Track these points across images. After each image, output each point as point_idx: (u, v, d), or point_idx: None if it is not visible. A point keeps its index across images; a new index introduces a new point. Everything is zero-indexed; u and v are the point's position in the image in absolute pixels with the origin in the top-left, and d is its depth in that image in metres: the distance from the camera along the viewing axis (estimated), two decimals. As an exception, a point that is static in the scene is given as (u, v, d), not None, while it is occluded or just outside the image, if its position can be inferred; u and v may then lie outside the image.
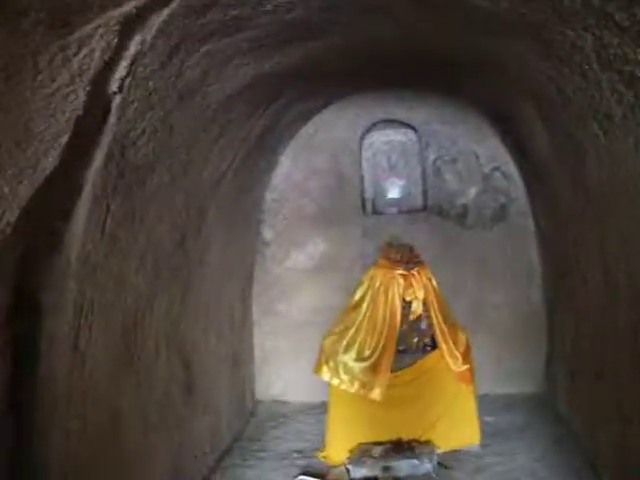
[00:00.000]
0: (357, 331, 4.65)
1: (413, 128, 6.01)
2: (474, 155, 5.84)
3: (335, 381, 4.67)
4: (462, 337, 4.74)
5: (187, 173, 3.66)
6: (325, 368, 4.70)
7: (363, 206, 6.06)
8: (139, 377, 3.40)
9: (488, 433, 4.90)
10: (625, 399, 3.55)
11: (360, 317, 4.66)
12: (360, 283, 4.77)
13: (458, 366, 4.65)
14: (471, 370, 4.72)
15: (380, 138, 6.16)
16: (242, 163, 4.66)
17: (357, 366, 4.61)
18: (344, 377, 4.63)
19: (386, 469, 4.29)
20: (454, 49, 3.74)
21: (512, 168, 5.75)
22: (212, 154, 3.91)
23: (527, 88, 3.63)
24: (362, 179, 6.12)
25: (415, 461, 4.35)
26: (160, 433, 3.63)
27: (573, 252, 4.48)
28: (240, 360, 5.57)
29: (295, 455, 4.85)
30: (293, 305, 6.01)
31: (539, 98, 3.60)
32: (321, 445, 4.81)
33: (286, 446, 5.03)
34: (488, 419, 5.17)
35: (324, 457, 4.72)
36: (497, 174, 5.81)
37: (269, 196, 5.95)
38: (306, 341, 5.25)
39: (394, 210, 6.04)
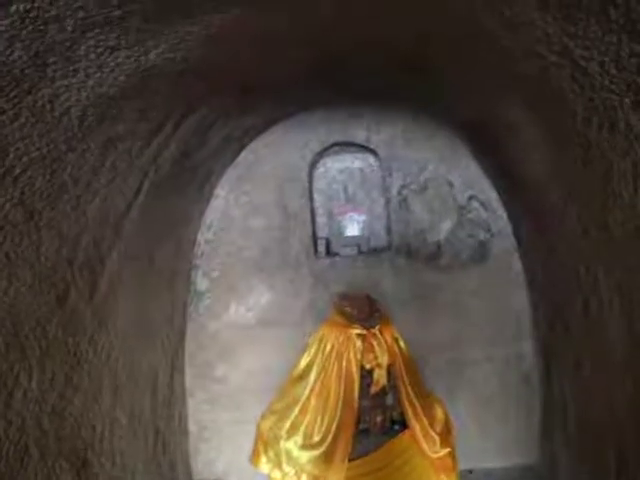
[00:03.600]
0: (303, 410, 3.59)
1: (373, 152, 5.05)
2: (447, 182, 4.88)
3: (277, 474, 3.60)
4: (440, 413, 3.72)
5: (55, 209, 2.64)
6: (264, 458, 3.64)
7: (315, 247, 5.04)
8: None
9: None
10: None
11: (307, 391, 3.61)
12: (307, 347, 3.74)
13: (435, 451, 3.62)
14: (453, 455, 3.69)
15: (334, 165, 5.19)
16: (155, 196, 3.65)
17: (304, 455, 3.55)
18: (288, 470, 3.57)
19: None
20: (424, 42, 2.81)
21: (492, 196, 4.80)
22: (98, 182, 2.90)
23: (516, 79, 2.67)
24: (314, 214, 5.14)
25: None
26: None
27: (577, 298, 3.53)
28: (168, 438, 4.49)
29: None
30: (233, 368, 4.96)
31: (536, 90, 2.63)
32: None
33: None
34: (477, 507, 4.17)
35: None
36: (475, 204, 4.85)
37: (202, 237, 4.92)
38: (249, 411, 4.15)
39: (353, 251, 5.00)
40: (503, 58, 2.49)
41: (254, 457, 3.68)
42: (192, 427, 4.99)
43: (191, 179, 4.23)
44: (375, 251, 5.05)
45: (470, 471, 4.55)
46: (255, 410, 3.87)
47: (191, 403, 4.97)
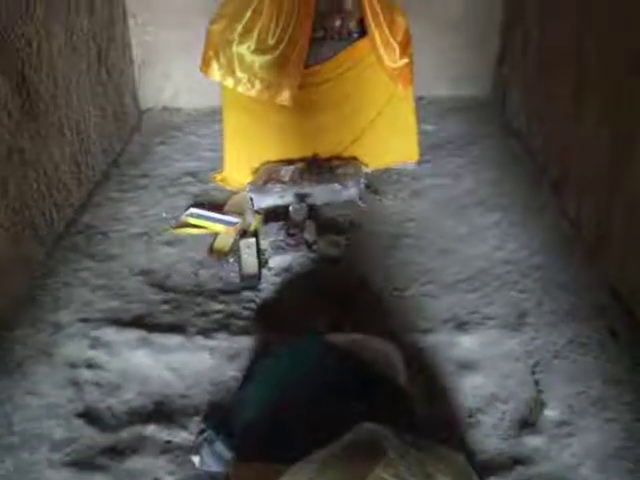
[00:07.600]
0: (256, 11, 3.32)
1: None
2: None
3: (229, 81, 3.46)
4: (401, 22, 3.50)
5: None
6: (215, 65, 3.46)
7: None
8: None
9: (427, 146, 3.96)
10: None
11: (260, -9, 3.31)
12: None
13: (394, 60, 3.48)
14: (410, 67, 3.57)
15: None
16: None
17: (258, 60, 3.39)
18: (241, 75, 3.42)
19: (299, 197, 3.31)
20: None
21: None
22: None
23: None
24: None
25: (336, 185, 3.38)
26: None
27: None
28: (112, 62, 4.22)
29: (186, 180, 3.82)
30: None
31: None
32: (218, 165, 3.80)
33: (176, 168, 3.98)
34: (427, 128, 4.21)
35: (221, 180, 3.72)
36: None
37: None
38: (199, 31, 3.75)
39: None
40: None
41: (204, 65, 3.48)
42: (137, 52, 4.69)
43: None
44: None
45: (422, 97, 4.50)
46: (203, 30, 3.54)
47: (133, 26, 4.60)
